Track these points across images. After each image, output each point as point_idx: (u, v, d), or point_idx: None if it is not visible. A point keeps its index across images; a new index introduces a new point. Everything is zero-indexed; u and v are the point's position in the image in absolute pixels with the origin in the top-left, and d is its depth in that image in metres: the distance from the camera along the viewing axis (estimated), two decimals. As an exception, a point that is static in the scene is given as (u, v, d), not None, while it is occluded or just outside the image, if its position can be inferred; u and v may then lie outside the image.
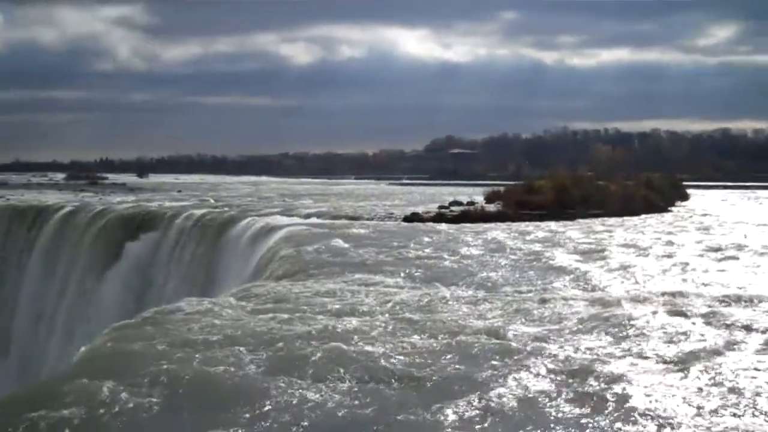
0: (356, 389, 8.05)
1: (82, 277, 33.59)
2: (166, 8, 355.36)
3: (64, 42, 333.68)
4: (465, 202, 37.51)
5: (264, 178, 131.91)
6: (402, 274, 15.60)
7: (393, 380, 8.34)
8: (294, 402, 7.65)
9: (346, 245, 19.84)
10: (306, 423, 7.16)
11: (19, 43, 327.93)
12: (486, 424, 7.19)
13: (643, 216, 33.62)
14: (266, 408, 7.51)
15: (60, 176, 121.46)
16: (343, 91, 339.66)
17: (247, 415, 7.31)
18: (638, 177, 45.20)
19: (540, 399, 7.82)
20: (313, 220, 29.35)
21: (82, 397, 7.60)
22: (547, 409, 7.54)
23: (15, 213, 42.30)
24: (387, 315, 11.49)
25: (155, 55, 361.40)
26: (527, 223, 28.77)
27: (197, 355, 9.12)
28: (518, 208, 32.91)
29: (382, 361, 8.96)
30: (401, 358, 9.11)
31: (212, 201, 44.46)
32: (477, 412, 7.45)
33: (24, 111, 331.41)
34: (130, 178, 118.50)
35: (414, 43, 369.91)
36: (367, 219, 30.30)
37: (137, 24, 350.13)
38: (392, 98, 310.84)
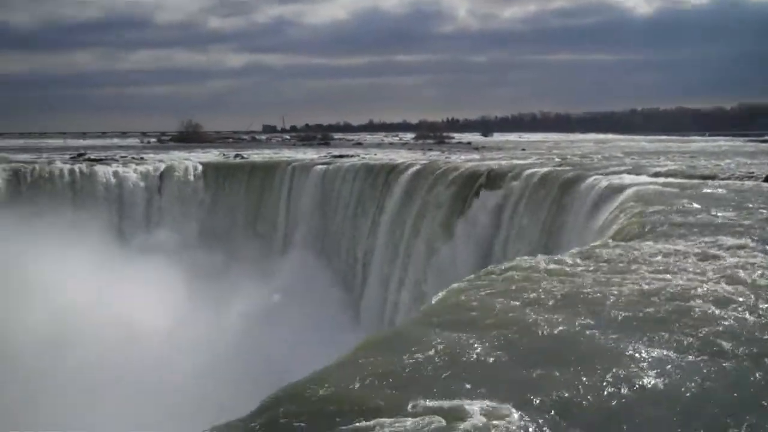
0: (704, 359, 7.61)
1: (428, 235, 35.31)
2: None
3: (405, 6, 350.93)
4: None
5: (610, 136, 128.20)
6: (759, 239, 14.30)
7: (745, 355, 7.74)
8: (641, 363, 7.44)
9: (698, 206, 18.66)
10: (660, 387, 6.96)
11: (363, 9, 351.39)
12: None
13: None
14: (612, 367, 7.39)
15: (409, 136, 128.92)
16: (690, 42, 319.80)
17: (598, 371, 7.25)
18: None
19: None
20: (663, 179, 27.97)
21: (430, 342, 8.10)
22: None
23: (369, 172, 45.22)
24: (739, 283, 10.64)
25: (492, 15, 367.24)
26: None
27: (541, 312, 9.23)
28: None
29: (727, 330, 8.37)
30: (754, 330, 8.42)
31: (556, 159, 44.31)
32: None
33: (373, 75, 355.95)
34: (474, 137, 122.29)
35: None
36: (723, 178, 28.21)
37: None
38: (746, 47, 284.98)
